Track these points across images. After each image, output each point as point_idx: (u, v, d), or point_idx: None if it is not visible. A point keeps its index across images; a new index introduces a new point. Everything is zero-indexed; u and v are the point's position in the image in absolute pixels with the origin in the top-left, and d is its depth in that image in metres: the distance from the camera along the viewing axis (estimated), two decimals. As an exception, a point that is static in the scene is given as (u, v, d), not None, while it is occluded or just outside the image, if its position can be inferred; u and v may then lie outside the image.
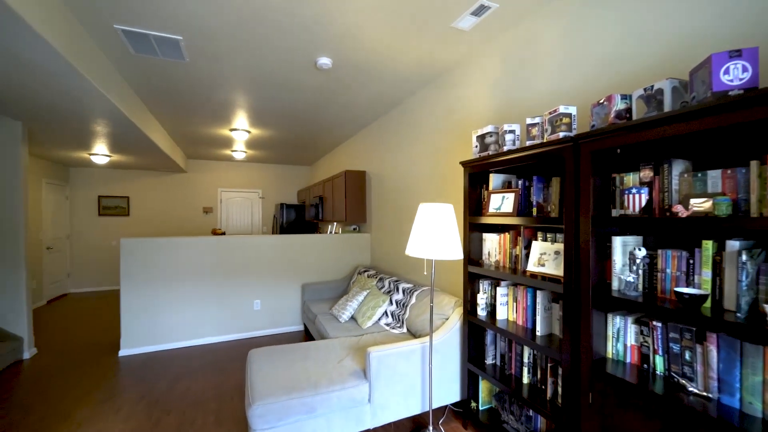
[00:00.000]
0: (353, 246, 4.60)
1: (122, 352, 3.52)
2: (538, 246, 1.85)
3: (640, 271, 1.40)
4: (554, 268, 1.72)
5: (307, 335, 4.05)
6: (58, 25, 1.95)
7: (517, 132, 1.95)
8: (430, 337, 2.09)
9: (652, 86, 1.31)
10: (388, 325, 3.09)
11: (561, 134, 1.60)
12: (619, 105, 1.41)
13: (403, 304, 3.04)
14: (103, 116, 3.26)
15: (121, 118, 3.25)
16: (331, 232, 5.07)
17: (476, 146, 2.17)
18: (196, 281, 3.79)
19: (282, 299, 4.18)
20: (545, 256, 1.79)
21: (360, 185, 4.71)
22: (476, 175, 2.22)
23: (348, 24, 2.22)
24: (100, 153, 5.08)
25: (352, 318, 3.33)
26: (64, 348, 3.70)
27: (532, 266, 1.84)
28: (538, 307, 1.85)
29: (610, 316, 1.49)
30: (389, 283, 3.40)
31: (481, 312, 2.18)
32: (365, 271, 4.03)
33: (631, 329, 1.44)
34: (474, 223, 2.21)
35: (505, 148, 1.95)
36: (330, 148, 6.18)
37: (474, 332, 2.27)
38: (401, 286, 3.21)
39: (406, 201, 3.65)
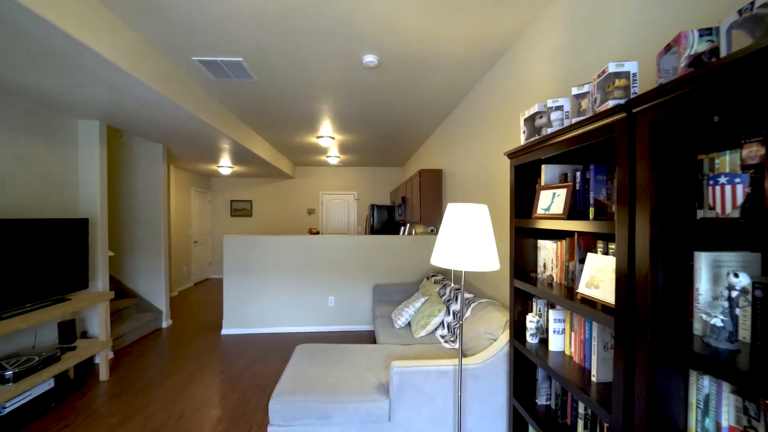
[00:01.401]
0: (427, 248, 4.39)
1: (223, 331, 4.18)
2: (592, 260, 1.37)
3: (739, 311, 0.87)
4: (610, 292, 1.23)
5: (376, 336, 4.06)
6: (152, 67, 2.41)
7: (566, 108, 1.48)
8: (459, 360, 1.78)
9: (753, 1, 0.78)
10: (443, 337, 2.81)
11: (611, 102, 1.13)
12: (697, 46, 0.90)
13: (460, 316, 2.71)
14: (206, 135, 3.93)
15: (218, 134, 3.86)
16: (405, 233, 4.96)
17: (524, 132, 1.75)
18: (281, 275, 4.21)
19: (354, 298, 4.29)
20: (601, 275, 1.30)
21: (435, 184, 4.46)
22: (525, 167, 1.79)
23: (381, 13, 2.09)
24: (225, 165, 6.19)
25: (408, 325, 3.15)
26: (190, 322, 4.62)
27: (583, 287, 1.36)
28: (596, 343, 1.36)
29: (693, 376, 0.97)
30: (451, 291, 3.10)
31: (531, 339, 1.74)
32: (433, 276, 3.79)
33: (729, 402, 0.90)
34: (522, 228, 1.79)
35: (549, 131, 1.51)
36: (415, 148, 6.08)
37: (523, 362, 1.83)
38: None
39: (480, 199, 3.27)
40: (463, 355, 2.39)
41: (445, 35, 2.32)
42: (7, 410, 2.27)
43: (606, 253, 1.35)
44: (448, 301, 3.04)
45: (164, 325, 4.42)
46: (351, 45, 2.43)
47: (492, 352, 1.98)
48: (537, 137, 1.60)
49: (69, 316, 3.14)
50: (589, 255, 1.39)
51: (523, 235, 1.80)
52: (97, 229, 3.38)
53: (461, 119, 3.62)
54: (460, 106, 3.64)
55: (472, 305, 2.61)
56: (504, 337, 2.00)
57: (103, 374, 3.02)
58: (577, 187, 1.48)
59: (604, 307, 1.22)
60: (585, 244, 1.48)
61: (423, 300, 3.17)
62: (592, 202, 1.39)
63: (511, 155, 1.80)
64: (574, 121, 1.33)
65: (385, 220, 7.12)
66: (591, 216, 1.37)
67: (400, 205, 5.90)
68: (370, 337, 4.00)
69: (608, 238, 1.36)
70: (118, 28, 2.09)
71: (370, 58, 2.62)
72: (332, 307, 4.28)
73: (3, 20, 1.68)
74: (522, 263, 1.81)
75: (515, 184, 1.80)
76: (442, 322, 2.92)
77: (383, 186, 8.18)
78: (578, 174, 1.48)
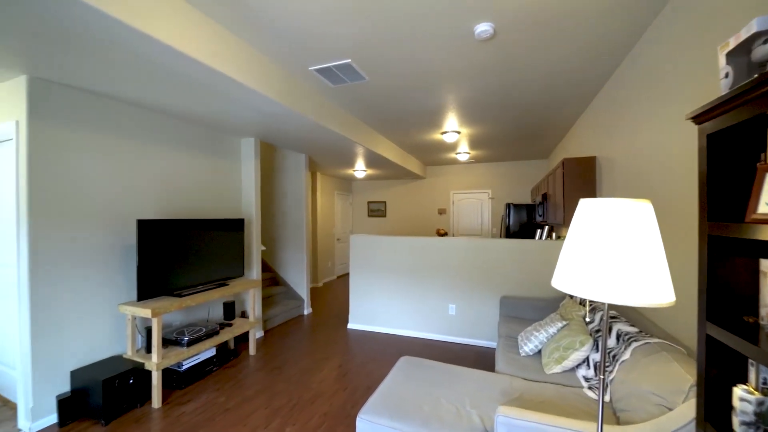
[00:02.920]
0: (573, 258, 3.50)
1: (349, 325, 4.40)
2: None
3: None
4: None
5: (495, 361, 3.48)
6: (281, 85, 2.67)
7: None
8: (599, 427, 1.20)
9: None
10: (587, 380, 2.10)
11: None
12: None
13: (613, 356, 1.95)
14: (335, 142, 4.19)
15: (345, 140, 4.05)
16: (542, 237, 4.11)
17: (726, 75, 1.04)
18: (402, 276, 4.14)
19: (478, 309, 3.82)
20: None
21: (585, 176, 3.52)
22: (727, 136, 1.06)
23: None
24: (359, 169, 6.63)
25: (538, 353, 2.51)
26: (325, 312, 5.08)
27: None
28: None
29: None
30: (601, 318, 2.31)
31: (743, 431, 1.01)
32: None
33: None
34: (723, 238, 1.06)
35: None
36: (562, 134, 5.04)
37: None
38: (618, 327, 2.09)
39: (651, 193, 2.35)
40: (616, 415, 1.69)
41: (586, -32, 1.68)
42: (184, 368, 2.90)
43: None
44: (598, 332, 2.27)
45: (305, 312, 5.01)
46: (459, 14, 2.06)
47: (663, 428, 1.28)
48: (756, 76, 0.89)
49: (231, 297, 3.88)
50: None
51: (724, 251, 1.07)
52: (252, 227, 4.05)
53: (621, 87, 2.69)
54: (620, 70, 2.71)
55: (634, 345, 1.83)
56: (687, 410, 1.27)
57: (252, 349, 3.57)
58: None
59: None
60: None
61: (560, 325, 2.47)
62: None
63: (701, 117, 1.10)
64: None
65: (524, 222, 6.24)
66: None
67: (540, 204, 4.99)
68: (493, 356, 3.45)
69: None
70: (252, 56, 2.36)
71: (483, 27, 2.18)
72: (453, 316, 3.92)
73: (175, 70, 2.10)
74: (723, 297, 1.08)
75: (708, 164, 1.09)
76: (587, 359, 2.19)
77: (523, 182, 7.20)
78: None
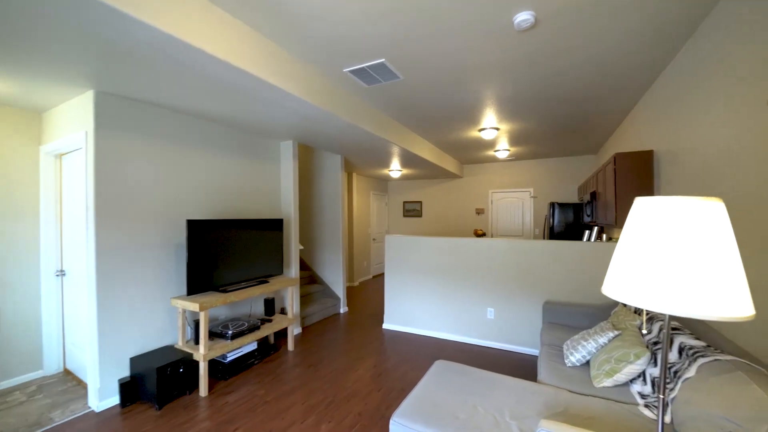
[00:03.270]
0: (626, 262, 3.22)
1: (384, 326, 4.39)
2: None
3: None
4: None
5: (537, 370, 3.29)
6: (317, 89, 2.72)
7: None
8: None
9: None
10: (643, 396, 1.92)
11: None
12: None
13: (675, 372, 1.76)
14: (370, 142, 4.20)
15: (380, 141, 4.04)
16: (591, 239, 3.82)
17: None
18: (438, 277, 4.06)
19: (518, 314, 3.64)
20: None
21: (640, 172, 3.22)
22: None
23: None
24: (394, 169, 6.61)
25: (586, 365, 2.33)
26: (361, 312, 5.12)
27: None
28: None
29: None
30: (661, 330, 2.09)
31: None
32: (633, 302, 2.71)
33: None
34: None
35: None
36: (613, 126, 4.67)
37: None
38: (681, 340, 1.88)
39: (721, 191, 2.10)
40: (676, 438, 1.51)
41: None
42: (228, 360, 3.05)
43: None
44: (657, 344, 2.06)
45: (341, 311, 5.08)
46: (497, 4, 1.97)
47: (735, 458, 1.12)
48: None
49: (271, 294, 4.02)
50: None
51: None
52: (291, 227, 4.18)
53: (686, 72, 2.42)
54: (685, 52, 2.44)
55: (701, 361, 1.63)
56: (766, 440, 1.10)
57: (290, 345, 3.68)
58: None
59: None
60: None
61: (612, 335, 2.28)
62: None
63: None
64: None
65: (570, 222, 5.86)
66: None
67: (589, 203, 4.66)
68: (534, 364, 3.27)
69: None
70: (290, 61, 2.43)
71: (523, 16, 2.06)
72: (491, 321, 3.77)
73: (220, 78, 2.22)
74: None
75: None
76: (643, 374, 1.99)
77: (569, 180, 6.78)
78: None
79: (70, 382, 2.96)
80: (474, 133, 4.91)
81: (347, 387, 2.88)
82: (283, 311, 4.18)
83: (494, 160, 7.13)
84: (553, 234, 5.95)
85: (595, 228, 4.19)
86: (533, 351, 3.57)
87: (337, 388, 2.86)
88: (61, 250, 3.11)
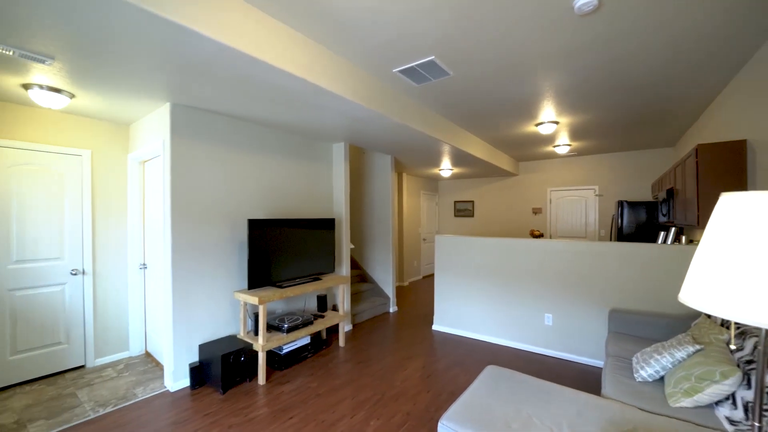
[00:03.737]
0: (712, 267, 2.82)
1: (434, 327, 4.33)
2: None
3: None
4: None
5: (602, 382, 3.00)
6: (366, 90, 2.78)
7: None
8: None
9: None
10: (732, 422, 1.66)
11: None
12: None
13: (757, 407, 1.50)
14: (420, 142, 4.17)
15: (430, 139, 4.00)
16: (667, 241, 3.39)
17: None
18: (490, 279, 3.91)
19: (579, 321, 3.37)
20: None
21: (729, 165, 2.80)
22: None
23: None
24: (445, 168, 6.49)
25: (660, 381, 2.08)
26: (410, 312, 5.10)
27: None
28: None
29: None
30: (755, 347, 1.80)
31: None
32: (721, 313, 2.36)
33: None
34: None
35: None
36: (694, 115, 4.13)
37: None
38: (784, 360, 1.60)
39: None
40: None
41: None
42: (284, 352, 3.23)
43: None
44: (750, 363, 1.77)
45: (391, 310, 5.11)
46: (552, -10, 1.84)
47: None
48: None
49: (323, 291, 4.18)
50: None
51: None
52: (342, 226, 4.30)
53: (790, 46, 2.06)
54: (788, 23, 2.07)
55: (811, 386, 1.37)
56: None
57: (341, 341, 3.79)
58: None
59: None
60: None
61: (692, 350, 2.01)
62: None
63: None
64: None
65: (642, 222, 5.29)
66: None
67: (665, 201, 4.17)
68: (597, 376, 3.00)
69: None
70: (341, 65, 2.52)
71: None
72: (549, 327, 3.54)
73: (280, 86, 2.37)
74: None
75: None
76: (731, 396, 1.73)
77: (640, 176, 6.12)
78: None
79: (149, 364, 3.35)
80: (530, 128, 4.65)
81: (396, 386, 2.89)
82: (334, 308, 4.32)
83: (553, 156, 6.69)
84: (622, 235, 5.42)
85: (672, 229, 3.73)
86: (596, 362, 3.28)
87: (386, 386, 2.88)
88: (144, 246, 3.53)
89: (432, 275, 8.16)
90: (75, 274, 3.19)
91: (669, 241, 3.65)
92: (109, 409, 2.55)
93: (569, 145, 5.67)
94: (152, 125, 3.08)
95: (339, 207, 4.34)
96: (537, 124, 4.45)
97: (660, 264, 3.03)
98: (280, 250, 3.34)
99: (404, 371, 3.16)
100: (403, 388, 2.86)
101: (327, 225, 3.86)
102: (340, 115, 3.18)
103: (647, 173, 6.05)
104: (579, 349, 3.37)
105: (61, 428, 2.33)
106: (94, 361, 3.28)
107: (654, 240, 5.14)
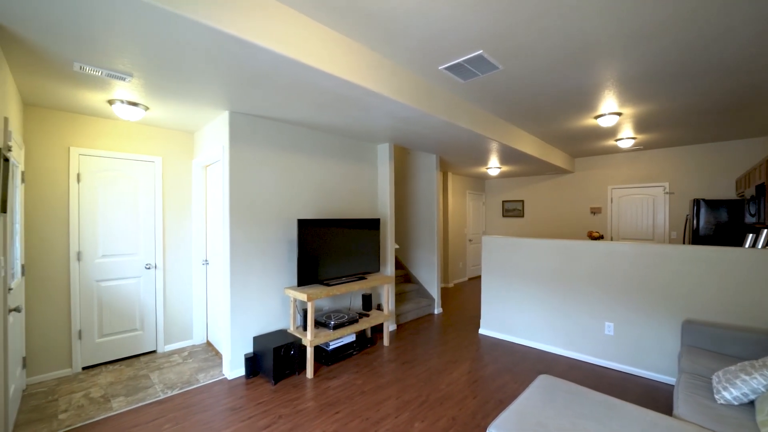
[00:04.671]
0: (817, 276, 2.41)
1: (480, 331, 4.19)
2: None
3: None
4: None
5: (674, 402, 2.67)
6: (409, 89, 2.77)
7: None
8: None
9: None
10: None
11: None
12: None
13: None
14: (467, 140, 4.05)
15: (477, 137, 3.87)
16: (755, 245, 2.94)
17: None
18: (543, 283, 3.69)
19: (646, 332, 3.05)
20: None
21: (844, 158, 2.36)
22: None
23: None
24: (493, 166, 6.25)
25: (749, 405, 1.81)
26: (455, 314, 4.98)
27: None
28: None
29: None
30: None
31: None
32: (831, 331, 2.00)
33: None
34: None
35: None
36: (792, 101, 3.55)
37: None
38: None
39: None
40: None
41: None
42: (331, 348, 3.32)
43: None
44: None
45: (435, 311, 5.04)
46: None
47: None
48: None
49: (368, 290, 4.22)
50: None
51: None
52: (387, 226, 4.33)
53: None
54: None
55: None
56: None
57: (386, 341, 3.81)
58: None
59: None
60: None
61: (791, 371, 1.72)
62: None
63: None
64: None
65: (723, 223, 4.68)
66: None
67: (753, 199, 3.64)
68: (668, 394, 2.69)
69: None
70: (386, 65, 2.54)
71: (654, -24, 1.71)
72: (610, 337, 3.25)
73: (329, 90, 2.45)
74: None
75: None
76: None
77: (721, 171, 5.41)
78: None
79: (210, 352, 3.63)
80: (588, 122, 4.32)
81: (441, 389, 2.84)
82: (379, 307, 4.35)
83: (615, 150, 6.16)
84: (698, 238, 4.83)
85: (765, 231, 3.24)
86: (666, 378, 2.95)
87: (431, 389, 2.84)
88: (206, 243, 3.83)
89: (478, 277, 7.91)
90: (148, 268, 3.56)
91: (760, 244, 3.17)
92: (176, 392, 2.80)
93: (634, 138, 5.18)
94: (213, 132, 3.33)
95: (384, 207, 4.37)
96: (596, 117, 4.12)
97: (748, 271, 2.64)
98: (327, 249, 3.44)
99: (450, 375, 3.09)
100: (448, 392, 2.80)
101: (372, 225, 3.91)
102: (386, 116, 3.19)
103: (729, 168, 5.32)
104: (644, 362, 3.06)
105: (137, 405, 2.60)
106: (163, 347, 3.63)
107: (739, 243, 4.51)
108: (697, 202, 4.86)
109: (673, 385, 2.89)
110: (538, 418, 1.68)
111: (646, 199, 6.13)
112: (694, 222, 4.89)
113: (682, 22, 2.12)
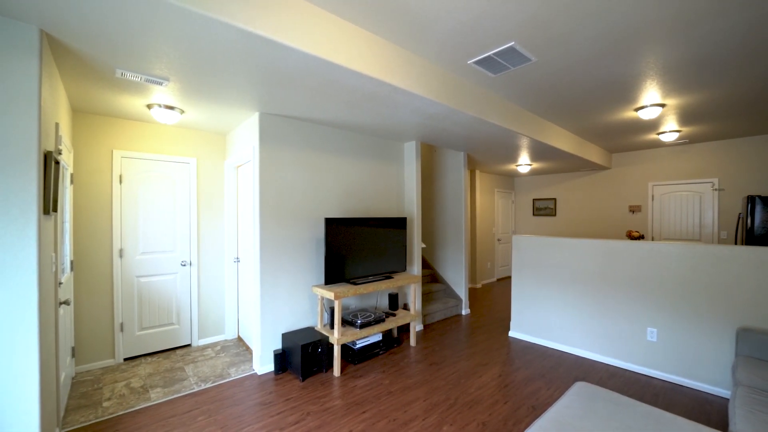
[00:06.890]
0: None
1: (511, 333, 4.05)
2: None
3: None
4: None
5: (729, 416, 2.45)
6: (437, 84, 2.71)
7: None
8: None
9: None
10: None
11: None
12: None
13: None
14: (497, 136, 3.92)
15: (508, 133, 3.73)
16: (828, 249, 2.63)
17: None
18: (578, 285, 3.52)
19: (694, 339, 2.82)
20: None
21: None
22: None
23: None
24: (523, 163, 6.04)
25: (823, 426, 1.62)
26: (484, 315, 4.85)
27: None
28: None
29: None
30: None
31: None
32: None
33: None
34: None
35: None
36: None
37: None
38: None
39: None
40: None
41: None
42: (358, 346, 3.32)
43: None
44: None
45: (463, 312, 4.93)
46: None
47: None
48: None
49: (395, 290, 4.19)
50: None
51: None
52: (413, 226, 4.27)
53: None
54: None
55: None
56: None
57: (413, 341, 3.76)
58: None
59: None
60: None
61: None
62: None
63: None
64: None
65: (785, 223, 4.26)
66: None
67: (822, 196, 3.27)
68: (720, 408, 2.47)
69: None
70: (413, 61, 2.49)
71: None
72: (653, 343, 3.04)
73: (358, 89, 2.44)
74: None
75: None
76: None
77: (781, 166, 4.94)
78: None
79: (241, 347, 3.73)
80: (628, 114, 4.07)
81: (470, 392, 2.76)
82: (405, 307, 4.31)
83: (657, 145, 5.78)
84: (753, 238, 4.43)
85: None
86: (719, 390, 2.72)
87: (460, 392, 2.77)
88: (238, 242, 3.94)
89: (507, 278, 7.68)
90: (184, 265, 3.71)
91: (830, 246, 2.86)
92: (209, 385, 2.90)
93: (678, 131, 4.83)
94: (244, 133, 3.42)
95: (410, 206, 4.32)
96: (637, 109, 3.87)
97: (817, 275, 2.38)
98: (354, 247, 3.44)
99: (479, 378, 3.00)
100: (478, 395, 2.72)
101: (399, 224, 3.87)
102: (413, 113, 3.14)
103: (791, 162, 4.85)
104: (692, 371, 2.83)
105: (173, 396, 2.71)
106: (197, 341, 3.78)
107: (803, 245, 4.09)
108: (751, 199, 4.46)
109: (725, 398, 2.66)
110: (578, 428, 1.58)
111: (692, 197, 5.71)
112: (748, 221, 4.49)
113: (734, 4, 1.93)
